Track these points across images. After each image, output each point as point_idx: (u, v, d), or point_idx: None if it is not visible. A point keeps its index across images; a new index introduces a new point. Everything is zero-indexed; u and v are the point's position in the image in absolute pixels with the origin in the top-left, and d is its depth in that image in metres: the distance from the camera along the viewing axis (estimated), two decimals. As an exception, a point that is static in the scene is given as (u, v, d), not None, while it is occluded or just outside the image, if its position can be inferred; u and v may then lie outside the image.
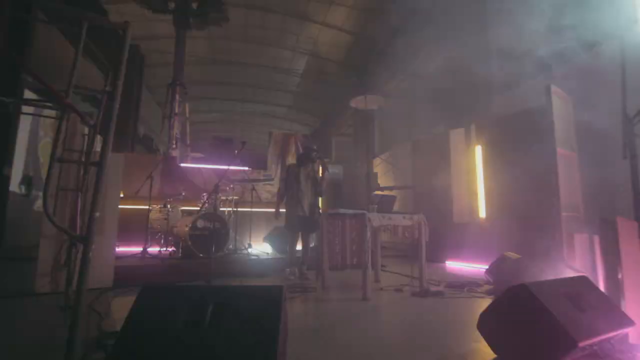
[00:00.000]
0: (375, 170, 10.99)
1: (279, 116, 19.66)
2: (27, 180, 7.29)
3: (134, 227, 5.54)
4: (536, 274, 3.26)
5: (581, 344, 1.50)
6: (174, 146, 9.05)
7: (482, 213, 5.29)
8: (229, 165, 4.11)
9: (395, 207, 3.91)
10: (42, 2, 1.46)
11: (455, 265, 5.40)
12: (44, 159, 7.99)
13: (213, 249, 3.83)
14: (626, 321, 1.76)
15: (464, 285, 3.61)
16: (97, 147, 2.36)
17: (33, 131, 7.74)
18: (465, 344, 1.99)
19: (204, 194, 5.58)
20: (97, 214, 1.46)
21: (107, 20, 1.53)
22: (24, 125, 6.92)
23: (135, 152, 11.08)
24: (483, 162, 5.32)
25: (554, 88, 4.18)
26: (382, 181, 10.12)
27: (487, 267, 3.75)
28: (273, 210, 6.72)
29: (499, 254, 3.73)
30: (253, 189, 6.14)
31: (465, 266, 5.27)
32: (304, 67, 14.30)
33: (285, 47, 12.96)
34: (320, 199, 4.29)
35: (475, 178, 5.43)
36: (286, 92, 16.76)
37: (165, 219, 5.36)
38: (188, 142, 10.00)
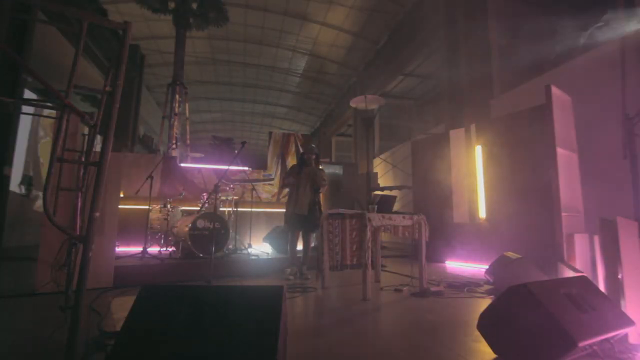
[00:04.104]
0: (375, 170, 11.01)
1: (279, 116, 19.69)
2: (27, 180, 7.30)
3: (134, 227, 5.55)
4: (536, 274, 3.26)
5: (581, 344, 1.50)
6: (174, 146, 9.05)
7: (482, 213, 5.29)
8: (229, 165, 4.11)
9: (395, 207, 3.91)
10: (42, 2, 1.46)
11: (455, 265, 5.40)
12: (44, 159, 8.01)
13: (213, 249, 3.83)
14: (626, 321, 1.76)
15: (464, 285, 3.60)
16: (97, 147, 2.36)
17: (33, 131, 7.75)
18: (465, 344, 1.99)
19: (204, 194, 5.58)
20: (97, 214, 1.46)
21: (107, 20, 1.52)
22: (24, 125, 6.93)
23: (135, 152, 11.10)
24: (483, 162, 5.31)
25: (554, 88, 4.18)
26: (382, 181, 10.13)
27: (487, 267, 3.75)
28: (273, 210, 6.73)
29: (499, 254, 3.72)
30: (253, 189, 6.14)
31: (465, 266, 5.27)
32: (304, 67, 14.31)
33: (285, 47, 12.96)
34: (319, 199, 4.29)
35: (475, 178, 5.42)
36: (286, 92, 16.77)
37: (165, 219, 5.36)
38: (188, 142, 10.01)
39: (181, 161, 7.40)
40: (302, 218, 4.08)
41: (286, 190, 7.00)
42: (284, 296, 1.50)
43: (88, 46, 8.24)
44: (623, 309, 1.92)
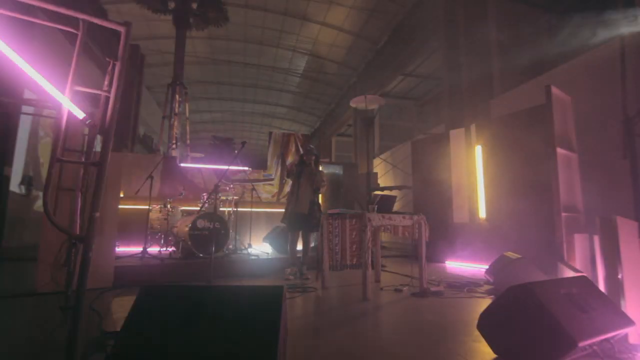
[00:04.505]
0: (375, 170, 11.00)
1: (279, 116, 19.69)
2: (27, 180, 7.29)
3: (134, 227, 5.54)
4: (536, 274, 3.26)
5: (581, 344, 1.50)
6: (174, 146, 9.06)
7: (482, 213, 5.29)
8: (229, 165, 4.11)
9: (395, 207, 3.91)
10: (42, 2, 1.46)
11: (455, 265, 5.40)
12: (44, 159, 8.00)
13: (213, 249, 3.83)
14: (626, 321, 1.76)
15: (464, 285, 3.60)
16: (97, 147, 2.36)
17: (33, 131, 7.75)
18: (465, 344, 1.99)
19: (204, 194, 5.58)
20: (97, 214, 1.46)
21: (107, 20, 1.53)
22: (24, 125, 6.92)
23: (135, 152, 11.10)
24: (483, 162, 5.31)
25: (554, 88, 4.18)
26: (382, 181, 10.12)
27: (487, 267, 3.75)
28: (273, 210, 6.73)
29: (499, 254, 3.72)
30: (253, 189, 6.14)
31: (465, 266, 5.27)
32: (304, 67, 14.30)
33: (285, 47, 12.96)
34: (319, 198, 4.30)
35: (475, 178, 5.42)
36: (286, 92, 16.77)
37: (165, 219, 5.36)
38: (188, 142, 10.01)
39: (181, 161, 7.40)
40: (302, 217, 4.08)
41: (286, 190, 7.00)
42: (284, 296, 1.50)
43: (88, 46, 8.24)
44: (623, 309, 1.92)
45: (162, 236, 5.37)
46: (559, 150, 4.05)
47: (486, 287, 3.61)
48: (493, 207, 5.11)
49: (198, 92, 16.25)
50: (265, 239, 5.85)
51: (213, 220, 4.53)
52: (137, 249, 4.87)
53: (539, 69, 6.02)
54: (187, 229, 4.39)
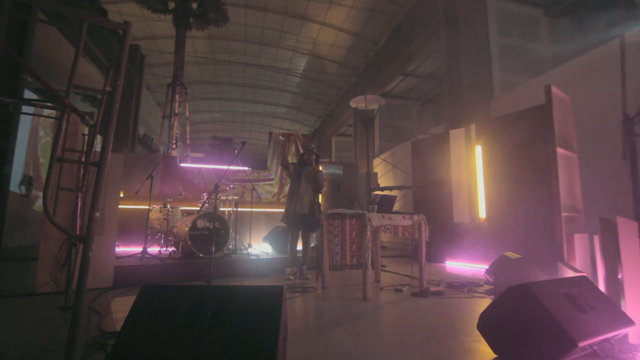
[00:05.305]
0: (375, 170, 11.00)
1: (279, 116, 19.69)
2: (27, 180, 7.30)
3: (134, 227, 5.55)
4: (536, 274, 3.26)
5: (581, 344, 1.50)
6: (174, 146, 9.06)
7: (482, 213, 5.29)
8: (229, 165, 4.11)
9: (395, 207, 3.91)
10: (42, 2, 1.46)
11: (455, 265, 5.40)
12: (44, 159, 8.01)
13: (213, 249, 3.83)
14: (626, 321, 1.76)
15: (464, 285, 3.60)
16: (97, 147, 2.36)
17: (33, 131, 7.75)
18: (465, 344, 1.99)
19: (204, 194, 5.58)
20: (97, 214, 1.46)
21: (107, 20, 1.52)
22: (24, 125, 6.93)
23: (135, 152, 11.10)
24: (483, 162, 5.31)
25: (554, 88, 4.18)
26: (382, 181, 10.12)
27: (487, 267, 3.75)
28: (273, 210, 6.73)
29: (499, 254, 3.72)
30: (253, 189, 6.13)
31: (465, 266, 5.27)
32: (304, 67, 14.30)
33: (285, 47, 12.96)
34: (319, 199, 4.30)
35: (475, 178, 5.42)
36: (286, 92, 16.76)
37: (165, 219, 5.36)
38: (188, 142, 10.01)
39: (181, 161, 7.40)
40: (302, 217, 4.08)
41: (286, 189, 7.00)
42: (284, 296, 1.50)
43: (88, 46, 8.24)
44: (623, 309, 1.92)
45: (162, 236, 5.37)
46: (559, 150, 4.05)
47: (486, 287, 3.60)
48: (493, 207, 5.11)
49: (198, 92, 16.26)
50: (265, 239, 5.85)
51: (213, 220, 4.53)
52: (137, 249, 4.87)
53: (539, 69, 6.02)
54: (187, 229, 4.39)
